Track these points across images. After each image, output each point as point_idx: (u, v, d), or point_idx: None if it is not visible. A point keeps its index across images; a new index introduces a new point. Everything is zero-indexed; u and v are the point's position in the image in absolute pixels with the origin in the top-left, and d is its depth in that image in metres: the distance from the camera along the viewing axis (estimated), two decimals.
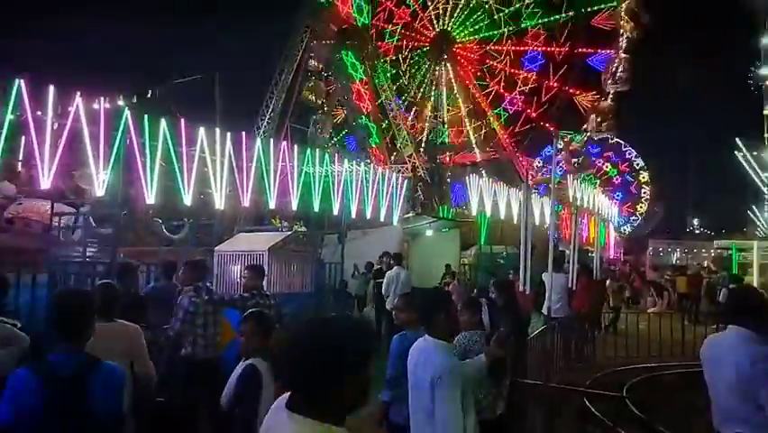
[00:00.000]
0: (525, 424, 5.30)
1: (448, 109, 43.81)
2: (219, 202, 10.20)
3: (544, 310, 9.64)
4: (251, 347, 3.58)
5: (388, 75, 39.21)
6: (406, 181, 18.11)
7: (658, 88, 59.59)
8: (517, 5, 40.52)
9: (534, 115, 41.36)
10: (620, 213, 47.20)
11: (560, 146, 40.61)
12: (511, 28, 41.09)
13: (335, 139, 40.78)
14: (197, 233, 11.63)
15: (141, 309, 4.98)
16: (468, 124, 42.73)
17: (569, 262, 11.61)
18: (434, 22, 43.30)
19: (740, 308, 3.50)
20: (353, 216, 14.42)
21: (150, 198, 8.83)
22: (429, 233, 17.12)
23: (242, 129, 12.30)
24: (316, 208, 13.39)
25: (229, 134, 10.26)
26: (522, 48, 41.18)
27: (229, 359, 5.19)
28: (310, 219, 15.89)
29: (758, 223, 19.67)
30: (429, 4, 43.10)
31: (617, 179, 51.38)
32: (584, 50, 38.24)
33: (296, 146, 13.22)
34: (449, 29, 42.72)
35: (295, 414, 1.61)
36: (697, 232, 53.39)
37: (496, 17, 41.43)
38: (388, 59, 43.69)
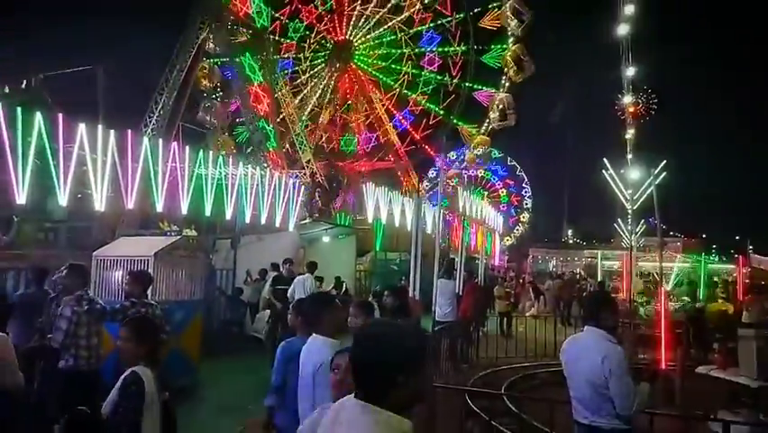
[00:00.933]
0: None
1: (345, 117, 44.32)
2: (99, 204, 9.58)
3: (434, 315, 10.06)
4: (132, 355, 3.45)
5: (287, 79, 39.02)
6: (303, 187, 18.07)
7: (540, 112, 64.43)
8: (419, 28, 42.28)
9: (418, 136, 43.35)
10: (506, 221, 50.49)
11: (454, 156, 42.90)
12: (410, 50, 42.70)
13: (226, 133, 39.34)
14: (72, 235, 10.82)
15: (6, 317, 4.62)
16: (353, 132, 43.80)
17: (456, 270, 12.20)
18: (339, 28, 43.74)
19: (592, 311, 3.95)
20: (247, 220, 14.12)
21: (22, 197, 8.11)
22: (326, 239, 17.17)
23: (129, 127, 11.65)
24: (208, 213, 12.97)
25: (113, 132, 9.68)
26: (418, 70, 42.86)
27: (107, 369, 4.96)
28: (201, 224, 15.32)
29: (623, 235, 21.78)
30: (336, 6, 43.46)
31: (503, 207, 54.91)
32: (472, 86, 41.29)
33: (187, 147, 12.74)
34: (353, 39, 43.30)
35: (364, 403, 1.78)
36: (571, 242, 58.15)
37: (396, 36, 42.81)
38: (289, 55, 43.48)
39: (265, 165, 30.36)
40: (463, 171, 46.32)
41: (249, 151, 35.87)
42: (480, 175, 54.60)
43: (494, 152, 47.83)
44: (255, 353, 10.98)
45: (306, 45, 43.74)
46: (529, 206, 55.91)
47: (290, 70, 43.23)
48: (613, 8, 15.72)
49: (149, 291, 6.16)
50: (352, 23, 43.36)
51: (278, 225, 14.99)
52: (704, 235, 47.68)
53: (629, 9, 15.95)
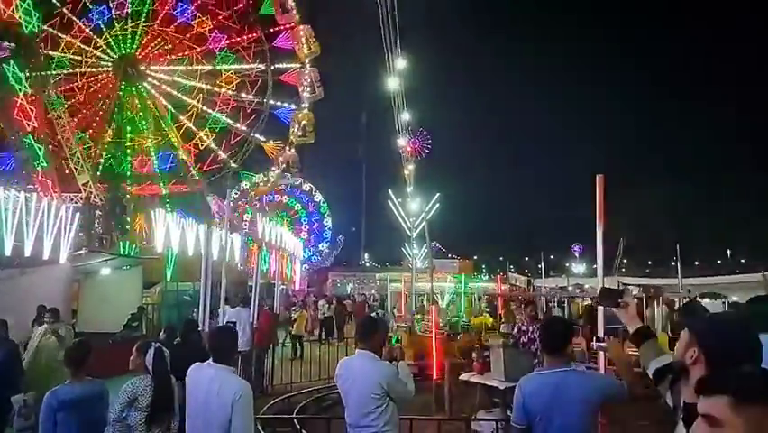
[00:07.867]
0: None
1: (133, 138, 41.14)
2: None
3: None
4: None
5: (62, 97, 34.93)
6: (78, 213, 16.22)
7: (339, 152, 68.03)
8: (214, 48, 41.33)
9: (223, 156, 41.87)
10: (306, 246, 52.04)
11: (246, 186, 42.51)
12: (204, 67, 41.48)
13: None
14: None
15: None
16: (154, 154, 41.15)
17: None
18: (118, 43, 40.73)
19: (364, 335, 4.36)
20: (8, 252, 12.32)
21: None
22: (106, 271, 15.63)
23: None
24: None
25: None
26: (215, 88, 41.58)
27: None
28: None
29: (409, 258, 23.91)
30: (116, 23, 40.50)
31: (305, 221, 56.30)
32: (273, 102, 41.02)
33: None
34: (134, 52, 40.67)
35: None
36: (367, 265, 61.63)
37: (186, 54, 41.35)
38: (62, 72, 39.13)
39: (31, 187, 26.57)
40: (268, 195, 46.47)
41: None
42: (283, 201, 55.29)
43: (297, 180, 48.91)
44: None
45: (81, 59, 39.88)
46: (328, 236, 58.19)
47: (63, 75, 38.87)
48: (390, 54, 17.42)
49: None
50: (137, 38, 40.82)
51: (46, 257, 13.27)
52: (475, 257, 54.49)
53: (400, 63, 17.97)
